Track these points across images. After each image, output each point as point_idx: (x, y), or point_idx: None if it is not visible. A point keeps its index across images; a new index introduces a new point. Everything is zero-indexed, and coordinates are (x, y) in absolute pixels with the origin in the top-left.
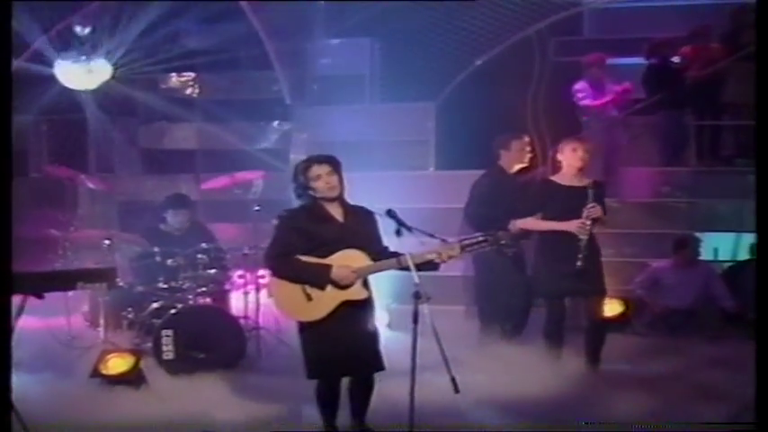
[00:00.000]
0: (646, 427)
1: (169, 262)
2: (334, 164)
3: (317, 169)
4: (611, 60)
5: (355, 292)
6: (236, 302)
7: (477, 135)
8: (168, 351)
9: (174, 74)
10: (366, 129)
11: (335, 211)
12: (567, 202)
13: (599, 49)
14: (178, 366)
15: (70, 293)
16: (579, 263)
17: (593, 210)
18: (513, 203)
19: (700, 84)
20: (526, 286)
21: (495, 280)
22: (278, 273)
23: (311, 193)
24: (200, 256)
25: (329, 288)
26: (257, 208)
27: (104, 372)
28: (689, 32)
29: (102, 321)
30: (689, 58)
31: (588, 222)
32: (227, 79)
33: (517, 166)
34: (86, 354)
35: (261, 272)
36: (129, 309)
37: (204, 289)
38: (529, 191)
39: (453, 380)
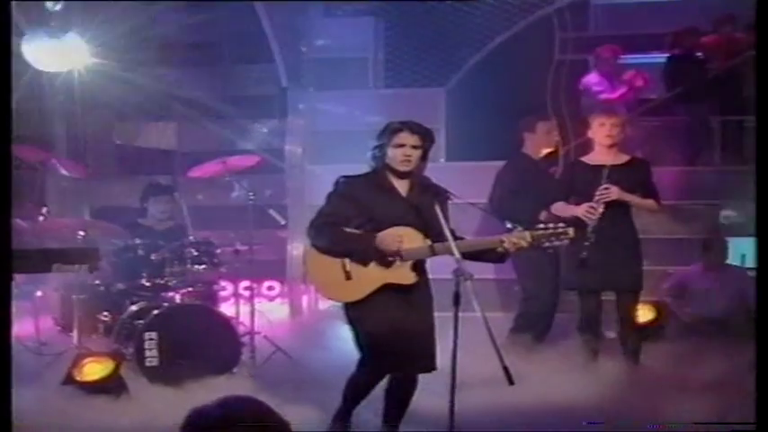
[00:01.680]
0: (644, 428)
1: (153, 256)
2: (427, 140)
3: (405, 137)
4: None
5: (401, 275)
6: (229, 306)
7: (492, 123)
8: (152, 357)
9: (153, 65)
10: (369, 116)
11: (401, 185)
12: (590, 183)
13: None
14: (163, 374)
15: (38, 293)
16: (584, 253)
17: (605, 192)
18: (544, 191)
19: (724, 77)
20: (557, 284)
21: (537, 278)
22: (317, 241)
23: (384, 159)
24: (188, 249)
25: (372, 266)
26: (251, 196)
27: (79, 378)
28: (713, 21)
29: (75, 324)
30: (713, 49)
31: (598, 206)
32: (211, 74)
33: (544, 151)
34: (58, 360)
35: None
36: (107, 312)
37: (192, 288)
38: (560, 174)
39: (506, 369)
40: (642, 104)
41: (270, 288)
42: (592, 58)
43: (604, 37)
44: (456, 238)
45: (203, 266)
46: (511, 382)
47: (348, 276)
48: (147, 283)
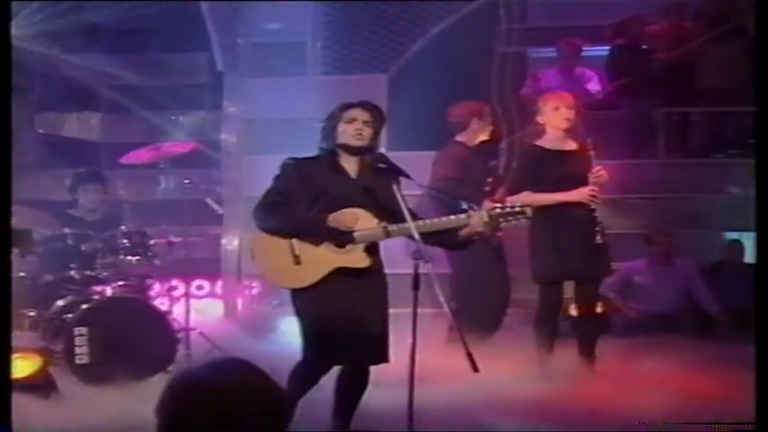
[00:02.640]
0: (644, 428)
1: (83, 247)
2: (379, 118)
3: (356, 112)
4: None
5: (354, 258)
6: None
7: (437, 110)
8: (82, 354)
9: (80, 51)
10: (307, 104)
11: (350, 166)
12: (559, 169)
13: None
14: (95, 372)
15: None
16: (599, 237)
17: (600, 174)
18: (483, 180)
19: (670, 67)
20: (506, 278)
21: (474, 273)
22: (264, 222)
23: (335, 137)
24: (120, 240)
25: (323, 249)
26: (187, 183)
27: None
28: (661, 9)
29: None
30: (658, 38)
31: (598, 189)
32: (142, 61)
33: (480, 138)
34: None
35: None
36: (34, 306)
37: (125, 281)
38: (514, 161)
39: (470, 355)
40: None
41: (199, 287)
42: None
43: (544, 29)
44: (415, 218)
45: (136, 258)
46: (475, 369)
47: (297, 261)
48: (77, 276)
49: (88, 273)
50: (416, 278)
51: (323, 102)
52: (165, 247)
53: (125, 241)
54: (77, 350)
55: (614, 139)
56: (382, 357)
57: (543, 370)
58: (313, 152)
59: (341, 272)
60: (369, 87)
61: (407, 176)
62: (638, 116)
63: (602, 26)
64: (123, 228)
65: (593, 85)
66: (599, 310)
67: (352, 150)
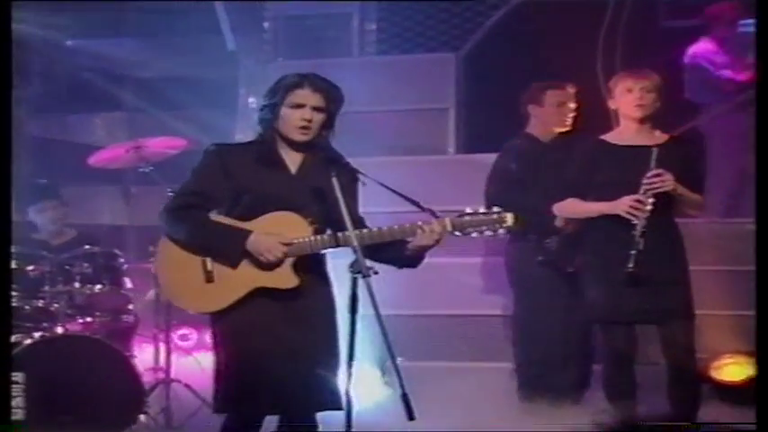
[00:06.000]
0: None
1: (30, 269)
2: (333, 100)
3: (304, 95)
4: None
5: (279, 278)
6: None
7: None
8: (17, 408)
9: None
10: (354, 93)
11: (290, 158)
12: (622, 171)
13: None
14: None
15: None
16: (631, 264)
17: (656, 180)
18: (551, 184)
19: None
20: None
21: (537, 309)
22: (172, 230)
23: (275, 122)
24: (79, 263)
25: (241, 265)
26: (149, 170)
27: None
28: None
29: None
30: None
31: (646, 200)
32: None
33: (555, 130)
34: None
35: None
36: None
37: (90, 318)
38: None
39: (405, 397)
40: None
41: (183, 337)
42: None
43: None
44: (360, 226)
45: (99, 286)
46: (410, 416)
47: (209, 278)
48: (24, 306)
49: (34, 303)
50: (353, 298)
51: (374, 89)
52: (144, 274)
53: (85, 265)
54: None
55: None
56: (331, 403)
57: None
58: (360, 156)
59: (264, 292)
60: (433, 70)
61: (357, 177)
62: None
63: None
64: (87, 247)
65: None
66: (729, 376)
67: (294, 145)
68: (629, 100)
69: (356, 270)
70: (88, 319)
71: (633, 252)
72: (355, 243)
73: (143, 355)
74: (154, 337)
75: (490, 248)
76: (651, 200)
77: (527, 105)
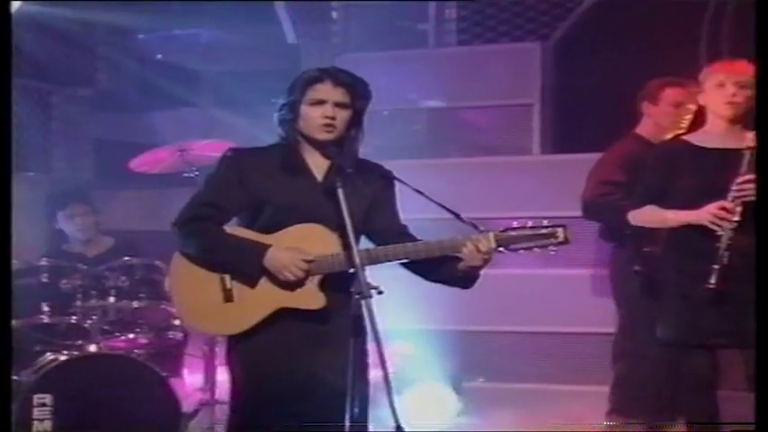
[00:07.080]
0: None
1: (63, 283)
2: (358, 95)
3: (324, 90)
4: None
5: (303, 297)
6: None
7: (618, 94)
8: (44, 430)
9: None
10: (429, 88)
11: (316, 163)
12: (709, 175)
13: None
14: None
15: None
16: (713, 280)
17: (746, 187)
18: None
19: None
20: None
21: (635, 325)
22: (185, 245)
23: (295, 124)
24: (116, 276)
25: (262, 283)
26: (194, 174)
27: None
28: None
29: None
30: None
31: (734, 208)
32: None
33: (670, 132)
34: None
35: None
36: None
37: (132, 334)
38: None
39: (399, 429)
40: None
41: None
42: None
43: None
44: (405, 238)
45: (135, 301)
46: None
47: (228, 297)
48: (48, 320)
49: (66, 319)
50: (357, 320)
51: (452, 83)
52: None
53: (122, 278)
54: (37, 425)
55: None
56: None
57: None
58: (431, 157)
59: (288, 313)
60: (516, 61)
61: (393, 180)
62: None
63: None
64: (126, 259)
65: None
66: None
67: (319, 144)
68: (719, 96)
69: (356, 291)
70: (131, 336)
71: (716, 266)
72: (357, 260)
73: (194, 375)
74: (204, 356)
75: (583, 259)
76: (739, 208)
77: (641, 102)
